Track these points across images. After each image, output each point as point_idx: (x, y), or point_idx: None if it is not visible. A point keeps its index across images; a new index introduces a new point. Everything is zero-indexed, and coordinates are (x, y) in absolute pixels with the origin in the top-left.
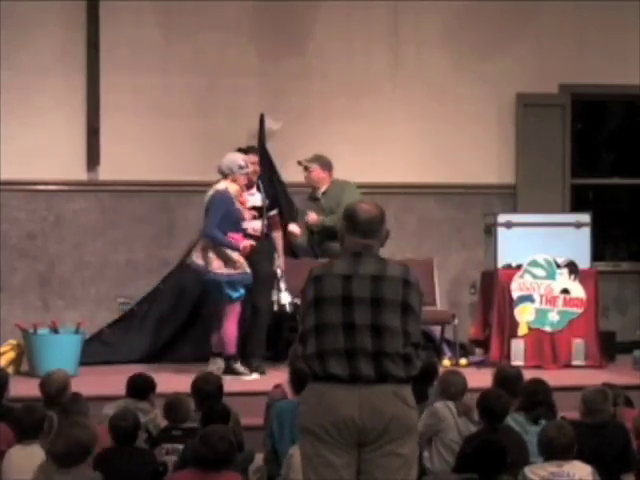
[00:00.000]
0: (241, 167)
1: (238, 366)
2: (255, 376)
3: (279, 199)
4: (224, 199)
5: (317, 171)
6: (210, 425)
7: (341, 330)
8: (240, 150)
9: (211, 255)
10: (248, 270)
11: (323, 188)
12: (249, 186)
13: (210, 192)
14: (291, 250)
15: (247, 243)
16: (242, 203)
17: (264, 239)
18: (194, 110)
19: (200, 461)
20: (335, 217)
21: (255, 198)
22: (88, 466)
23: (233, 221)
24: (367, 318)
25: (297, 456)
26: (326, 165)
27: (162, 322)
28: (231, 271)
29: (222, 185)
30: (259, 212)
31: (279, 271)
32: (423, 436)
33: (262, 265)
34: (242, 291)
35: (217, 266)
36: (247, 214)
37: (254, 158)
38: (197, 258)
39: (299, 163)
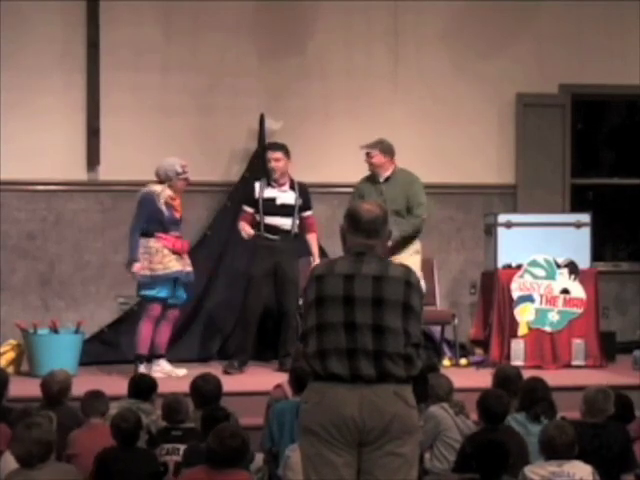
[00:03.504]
0: (178, 173)
1: (141, 367)
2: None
3: (312, 201)
4: (150, 201)
5: (378, 156)
6: (223, 422)
7: (342, 330)
8: (266, 147)
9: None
10: (187, 269)
11: (386, 174)
12: (282, 183)
13: (141, 191)
14: None
15: (137, 270)
16: (175, 208)
17: (292, 238)
18: (194, 110)
19: (212, 458)
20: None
21: (287, 196)
22: (57, 461)
23: (158, 221)
24: (368, 318)
25: (294, 457)
26: (387, 150)
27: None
28: (148, 272)
29: (155, 187)
30: (290, 210)
31: None
32: (425, 442)
33: (287, 265)
34: (161, 291)
35: (138, 267)
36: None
37: (277, 155)
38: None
39: (361, 148)
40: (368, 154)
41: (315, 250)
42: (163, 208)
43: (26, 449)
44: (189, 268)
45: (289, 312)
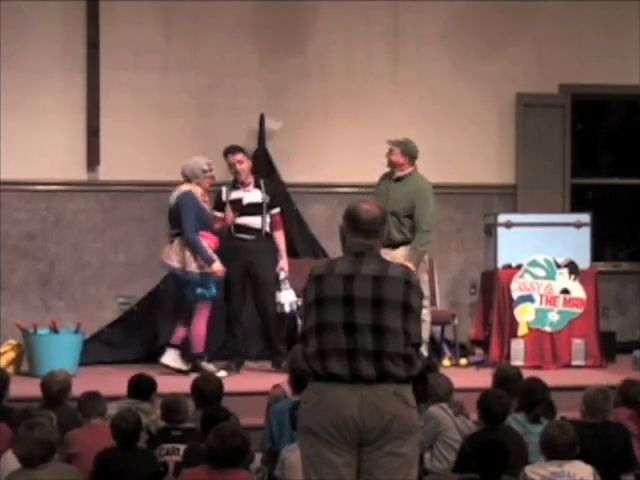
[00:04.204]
0: (204, 171)
1: (205, 364)
2: (223, 373)
3: (279, 198)
4: (191, 199)
5: (397, 155)
6: (223, 422)
7: (342, 330)
8: (226, 151)
9: (188, 255)
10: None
11: (400, 174)
12: (247, 183)
13: (175, 194)
14: (292, 249)
15: (219, 268)
16: (209, 205)
17: (264, 237)
18: (194, 110)
19: (213, 457)
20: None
21: (253, 195)
22: (60, 461)
23: (202, 220)
24: (368, 318)
25: (291, 457)
26: (407, 153)
27: (162, 322)
28: (204, 270)
29: (186, 187)
30: (258, 209)
31: (282, 273)
32: (425, 442)
33: (259, 265)
34: (215, 290)
35: (194, 266)
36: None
37: (239, 157)
38: (170, 260)
39: (387, 142)
40: (390, 150)
41: (283, 248)
42: (204, 206)
43: (28, 449)
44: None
45: (268, 311)
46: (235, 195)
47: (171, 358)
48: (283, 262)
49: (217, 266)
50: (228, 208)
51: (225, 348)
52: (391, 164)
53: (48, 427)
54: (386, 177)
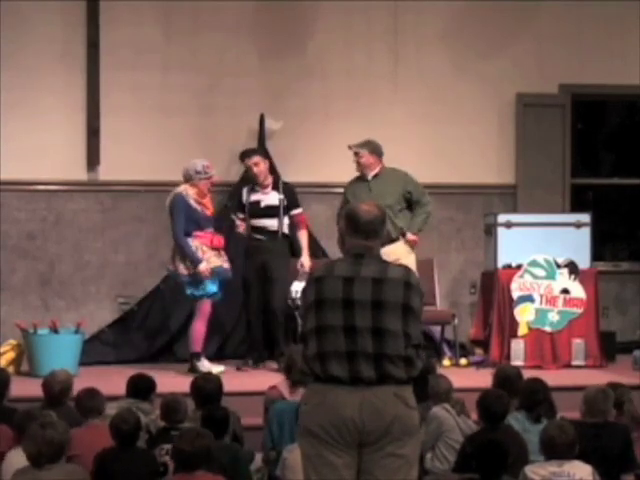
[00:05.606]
0: (198, 172)
1: (200, 364)
2: (220, 368)
3: (297, 198)
4: (180, 201)
5: (366, 156)
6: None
7: (342, 332)
8: (241, 155)
9: (177, 257)
10: (225, 265)
11: (373, 173)
12: (265, 185)
13: (169, 196)
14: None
15: (205, 269)
16: (205, 205)
17: (281, 238)
18: (194, 110)
19: (182, 460)
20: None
21: (270, 197)
22: (65, 462)
23: (194, 220)
24: (368, 320)
25: (291, 457)
26: (375, 150)
27: (162, 322)
28: (191, 270)
29: (180, 188)
30: (275, 211)
31: (301, 268)
32: (427, 443)
33: (273, 264)
34: (215, 289)
35: (182, 267)
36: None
37: (255, 159)
38: (168, 262)
39: (349, 147)
40: (357, 154)
41: (305, 245)
42: (196, 206)
43: (37, 448)
44: (227, 265)
45: (276, 311)
46: (254, 197)
47: (205, 365)
48: (306, 259)
49: (203, 267)
50: (245, 218)
51: (228, 346)
52: (362, 167)
53: (60, 428)
54: (357, 181)
